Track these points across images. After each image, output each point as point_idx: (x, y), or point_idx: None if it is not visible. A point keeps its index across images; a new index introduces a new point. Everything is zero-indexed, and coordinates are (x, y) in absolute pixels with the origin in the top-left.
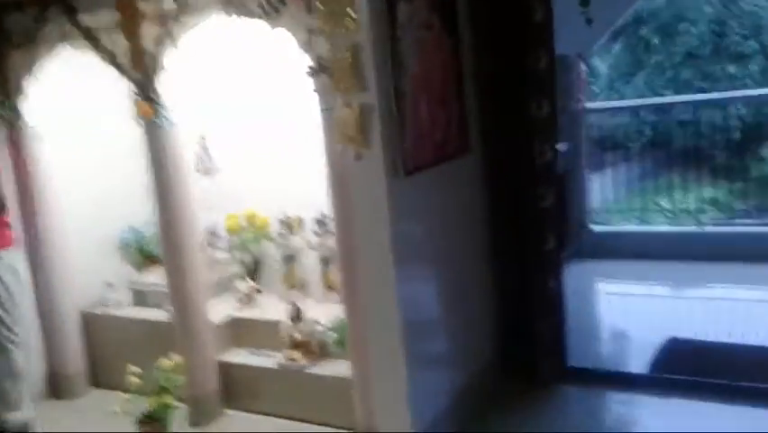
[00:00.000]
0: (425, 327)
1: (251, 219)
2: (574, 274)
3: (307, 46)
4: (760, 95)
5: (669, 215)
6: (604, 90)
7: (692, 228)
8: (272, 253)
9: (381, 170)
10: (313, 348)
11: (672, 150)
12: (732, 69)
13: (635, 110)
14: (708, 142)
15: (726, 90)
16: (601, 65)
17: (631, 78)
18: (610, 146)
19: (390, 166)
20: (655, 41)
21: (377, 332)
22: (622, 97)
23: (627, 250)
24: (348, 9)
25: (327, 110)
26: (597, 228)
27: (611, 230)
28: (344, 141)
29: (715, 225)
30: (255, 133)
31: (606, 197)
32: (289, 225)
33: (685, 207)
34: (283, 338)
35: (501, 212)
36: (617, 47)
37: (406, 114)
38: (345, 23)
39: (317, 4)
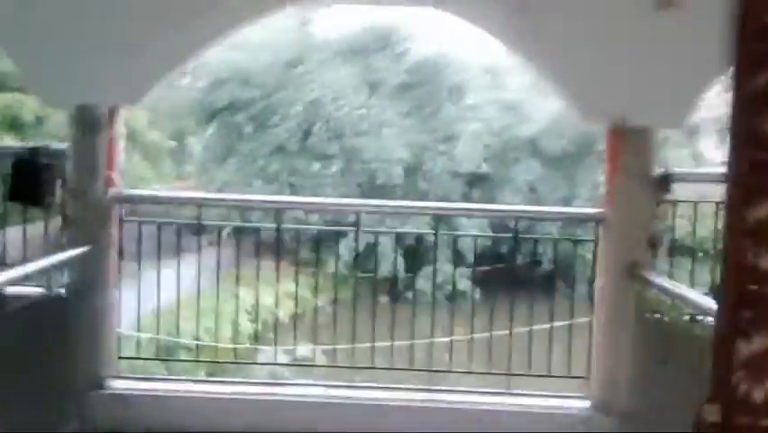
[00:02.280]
0: None
1: None
2: None
3: None
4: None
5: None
6: (197, 172)
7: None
8: None
9: None
10: None
11: (250, 246)
12: (317, 166)
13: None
14: (290, 239)
15: (311, 184)
16: (196, 145)
17: (223, 163)
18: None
19: None
20: (249, 129)
21: None
22: (211, 181)
23: (176, 419)
24: None
25: None
26: (122, 387)
27: (144, 390)
28: None
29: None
30: None
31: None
32: None
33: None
34: None
35: None
36: (211, 129)
37: None
38: None
39: None
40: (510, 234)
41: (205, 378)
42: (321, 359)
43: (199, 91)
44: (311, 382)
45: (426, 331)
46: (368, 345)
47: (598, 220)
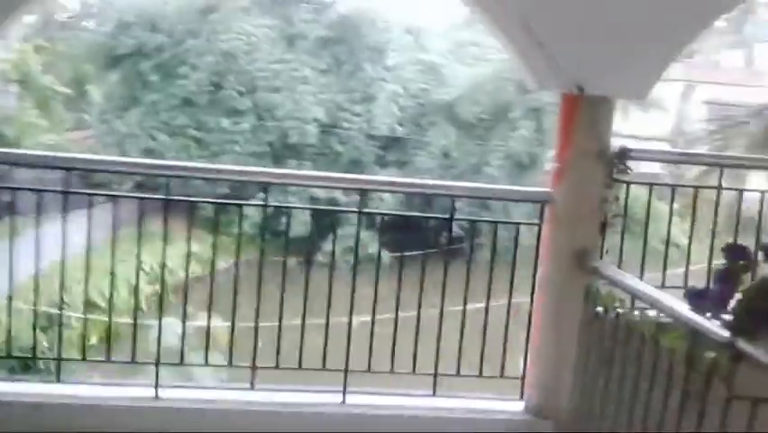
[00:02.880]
0: None
1: None
2: None
3: None
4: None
5: None
6: (96, 122)
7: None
8: None
9: None
10: None
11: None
12: (226, 122)
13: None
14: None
15: (219, 141)
16: (96, 93)
17: (124, 114)
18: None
19: None
20: (154, 78)
21: None
22: (110, 133)
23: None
24: None
25: None
26: None
27: None
28: None
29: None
30: None
31: None
32: None
33: None
34: None
35: None
36: (113, 76)
37: None
38: None
39: None
40: (446, 216)
41: (53, 380)
42: (221, 331)
43: (103, 35)
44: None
45: (339, 306)
46: (274, 323)
47: (543, 201)
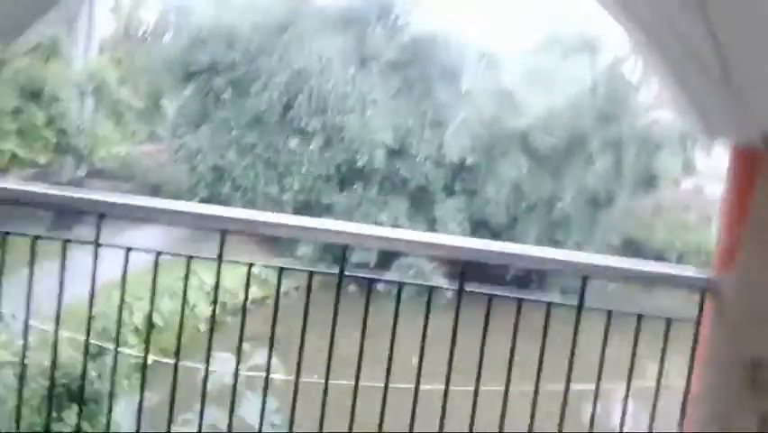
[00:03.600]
0: None
1: None
2: None
3: None
4: None
5: None
6: (168, 136)
7: None
8: None
9: None
10: None
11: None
12: (295, 142)
13: None
14: None
15: (286, 161)
16: (170, 107)
17: (196, 129)
18: None
19: None
20: (227, 95)
21: None
22: (181, 148)
23: None
24: None
25: None
26: None
27: None
28: None
29: None
30: None
31: None
32: None
33: None
34: None
35: None
36: (188, 91)
37: None
38: None
39: None
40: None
41: None
42: (278, 369)
43: (179, 49)
44: None
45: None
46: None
47: (704, 289)
